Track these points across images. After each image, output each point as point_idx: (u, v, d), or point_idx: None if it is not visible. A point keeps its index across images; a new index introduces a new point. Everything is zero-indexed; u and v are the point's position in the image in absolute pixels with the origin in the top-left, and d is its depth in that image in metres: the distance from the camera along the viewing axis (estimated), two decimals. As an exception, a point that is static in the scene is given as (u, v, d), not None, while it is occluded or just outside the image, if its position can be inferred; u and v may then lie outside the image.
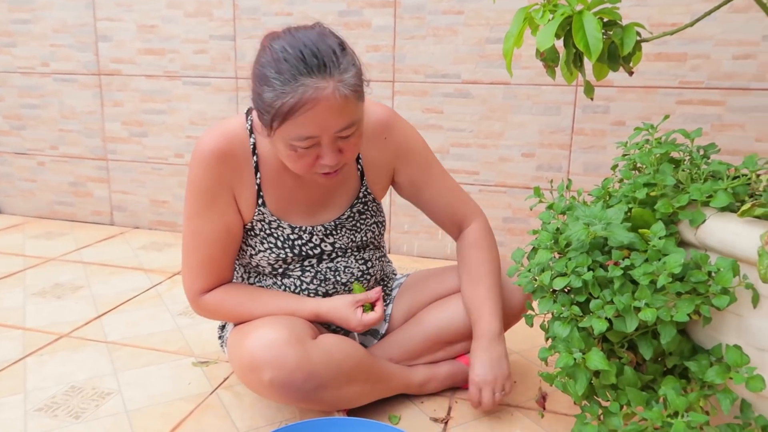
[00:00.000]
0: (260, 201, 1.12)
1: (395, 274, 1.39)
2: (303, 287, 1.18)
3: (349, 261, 1.20)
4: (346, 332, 1.24)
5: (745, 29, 1.72)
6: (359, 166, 1.20)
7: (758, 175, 0.91)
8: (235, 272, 1.25)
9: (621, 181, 1.10)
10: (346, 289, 1.20)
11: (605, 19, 1.01)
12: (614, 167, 1.13)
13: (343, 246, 1.19)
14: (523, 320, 1.33)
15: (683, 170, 0.98)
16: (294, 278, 1.17)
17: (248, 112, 1.13)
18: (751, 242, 0.81)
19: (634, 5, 1.78)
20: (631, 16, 1.74)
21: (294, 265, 1.17)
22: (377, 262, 1.26)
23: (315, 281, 1.17)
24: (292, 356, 1.01)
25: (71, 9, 2.37)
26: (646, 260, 0.87)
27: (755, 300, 0.82)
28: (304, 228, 1.15)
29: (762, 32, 1.71)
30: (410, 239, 2.20)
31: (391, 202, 2.18)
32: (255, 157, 1.11)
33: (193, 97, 2.32)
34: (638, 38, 1.02)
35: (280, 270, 1.17)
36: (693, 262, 0.86)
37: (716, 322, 0.87)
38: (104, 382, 1.33)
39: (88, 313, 1.69)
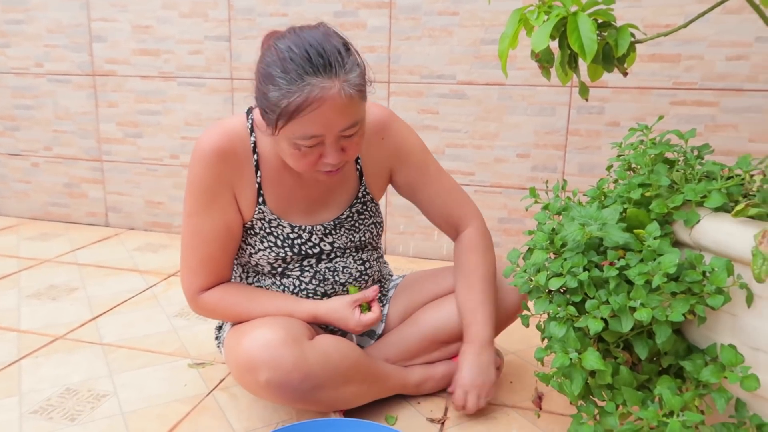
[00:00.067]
0: (260, 199, 1.12)
1: (391, 275, 1.39)
2: (302, 287, 1.18)
3: (348, 261, 1.20)
4: (343, 333, 1.24)
5: (738, 30, 1.73)
6: (358, 167, 1.20)
7: (752, 176, 0.92)
8: (234, 272, 1.25)
9: (616, 181, 1.10)
10: (345, 289, 1.20)
11: (600, 21, 1.01)
12: (609, 168, 1.14)
13: (341, 246, 1.19)
14: (518, 320, 1.34)
15: (677, 171, 0.99)
16: (293, 278, 1.18)
17: (249, 111, 1.13)
18: (745, 242, 0.81)
19: (628, 6, 1.79)
20: (625, 18, 1.74)
21: (293, 265, 1.17)
22: (375, 263, 1.26)
23: (314, 281, 1.18)
24: (288, 357, 1.01)
25: (65, 9, 2.36)
26: (642, 260, 0.87)
27: (749, 299, 0.82)
28: (303, 227, 1.16)
29: (755, 33, 1.72)
30: (406, 240, 2.20)
31: (387, 203, 2.18)
32: (255, 156, 1.11)
33: (188, 97, 2.31)
34: (632, 39, 1.02)
35: (280, 269, 1.17)
36: (688, 262, 0.87)
37: (711, 321, 0.88)
38: (100, 384, 1.33)
39: (83, 315, 1.68)
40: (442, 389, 1.29)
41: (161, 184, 2.44)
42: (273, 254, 1.15)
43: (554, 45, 1.01)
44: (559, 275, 0.92)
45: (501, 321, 1.27)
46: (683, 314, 0.82)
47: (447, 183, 1.25)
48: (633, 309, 0.85)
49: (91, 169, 2.51)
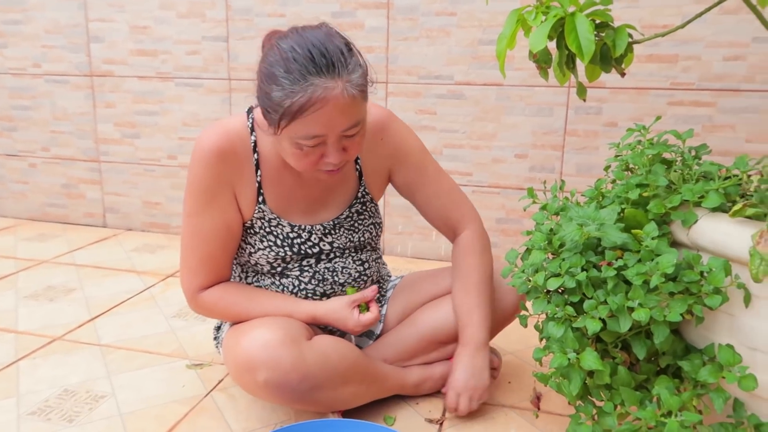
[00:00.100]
0: (260, 198, 1.13)
1: (390, 276, 1.40)
2: (301, 287, 1.18)
3: (347, 262, 1.20)
4: (342, 333, 1.24)
5: (736, 31, 1.74)
6: (358, 167, 1.20)
7: (749, 176, 0.92)
8: (233, 271, 1.25)
9: (614, 181, 1.11)
10: (344, 290, 1.21)
11: (597, 21, 1.01)
12: (607, 168, 1.14)
13: (341, 246, 1.19)
14: (516, 321, 1.34)
15: (675, 171, 0.99)
16: (292, 278, 1.18)
17: (249, 111, 1.14)
18: (742, 242, 0.82)
19: (625, 7, 1.79)
20: (623, 18, 1.75)
21: (293, 265, 1.17)
22: (374, 263, 1.27)
23: (313, 281, 1.18)
24: (287, 357, 1.01)
25: (63, 10, 2.36)
26: (639, 260, 0.87)
27: (747, 299, 0.83)
28: (303, 226, 1.16)
29: (752, 34, 1.73)
30: (404, 240, 2.20)
31: (385, 203, 2.18)
32: (256, 155, 1.11)
33: (186, 98, 2.31)
34: (630, 40, 1.02)
35: (279, 269, 1.17)
36: (685, 262, 0.87)
37: (709, 321, 0.88)
38: (98, 385, 1.33)
39: (81, 316, 1.68)
40: (441, 389, 1.29)
41: (159, 184, 2.43)
42: (273, 253, 1.15)
43: (552, 45, 1.01)
44: (558, 275, 0.92)
45: (499, 322, 1.27)
46: (681, 314, 0.83)
47: (446, 184, 1.25)
48: (631, 309, 0.85)
49: (88, 170, 2.51)
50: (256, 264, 1.18)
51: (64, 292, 1.84)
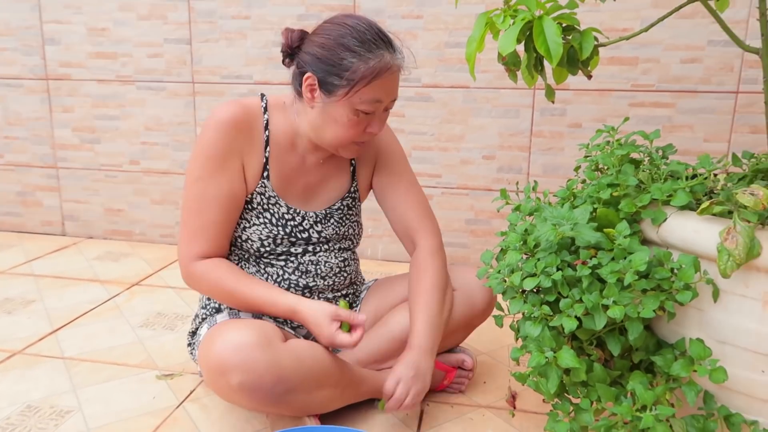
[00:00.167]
0: (265, 174, 1.17)
1: (363, 281, 1.40)
2: (285, 277, 1.20)
3: (329, 256, 1.24)
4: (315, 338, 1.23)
5: (692, 35, 1.80)
6: (352, 163, 1.27)
7: (715, 175, 0.95)
8: None
9: (584, 182, 1.13)
10: (325, 284, 1.23)
11: (564, 24, 1.03)
12: (577, 168, 1.16)
13: (327, 236, 1.23)
14: (489, 321, 1.35)
15: (644, 171, 1.02)
16: (277, 267, 1.20)
17: (262, 97, 1.20)
18: (710, 239, 0.84)
19: (587, 11, 1.83)
20: (585, 22, 1.78)
21: (281, 249, 1.19)
22: (353, 263, 1.31)
23: (296, 273, 1.20)
24: (261, 359, 1.00)
25: (15, 11, 2.27)
26: (613, 259, 0.89)
27: (715, 294, 0.85)
28: (297, 210, 1.21)
29: (707, 37, 1.79)
30: (374, 243, 2.20)
31: (354, 206, 2.17)
32: (267, 133, 1.17)
33: (148, 102, 2.25)
34: (596, 43, 1.05)
35: (267, 249, 1.18)
36: (656, 259, 0.89)
37: (679, 317, 0.90)
38: (63, 399, 1.28)
39: (42, 328, 1.62)
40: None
41: (121, 190, 2.37)
42: (266, 231, 1.17)
43: (520, 48, 1.02)
44: (533, 275, 0.93)
45: (468, 320, 1.28)
46: (654, 310, 0.85)
47: (417, 195, 1.29)
48: (606, 307, 0.87)
49: (45, 177, 2.42)
50: (246, 241, 1.18)
51: (22, 304, 1.77)
